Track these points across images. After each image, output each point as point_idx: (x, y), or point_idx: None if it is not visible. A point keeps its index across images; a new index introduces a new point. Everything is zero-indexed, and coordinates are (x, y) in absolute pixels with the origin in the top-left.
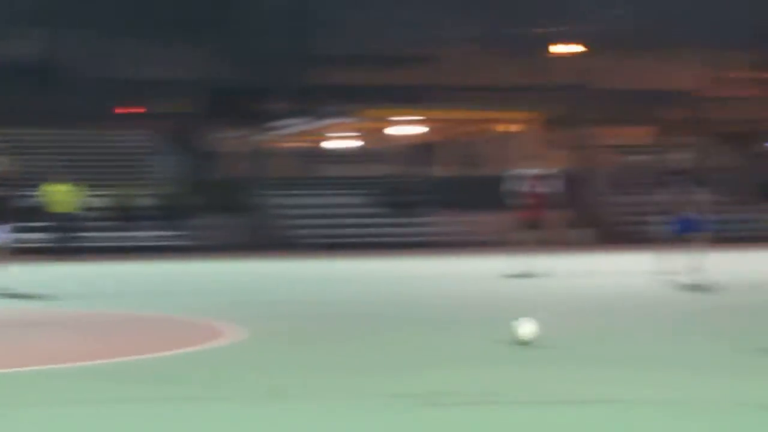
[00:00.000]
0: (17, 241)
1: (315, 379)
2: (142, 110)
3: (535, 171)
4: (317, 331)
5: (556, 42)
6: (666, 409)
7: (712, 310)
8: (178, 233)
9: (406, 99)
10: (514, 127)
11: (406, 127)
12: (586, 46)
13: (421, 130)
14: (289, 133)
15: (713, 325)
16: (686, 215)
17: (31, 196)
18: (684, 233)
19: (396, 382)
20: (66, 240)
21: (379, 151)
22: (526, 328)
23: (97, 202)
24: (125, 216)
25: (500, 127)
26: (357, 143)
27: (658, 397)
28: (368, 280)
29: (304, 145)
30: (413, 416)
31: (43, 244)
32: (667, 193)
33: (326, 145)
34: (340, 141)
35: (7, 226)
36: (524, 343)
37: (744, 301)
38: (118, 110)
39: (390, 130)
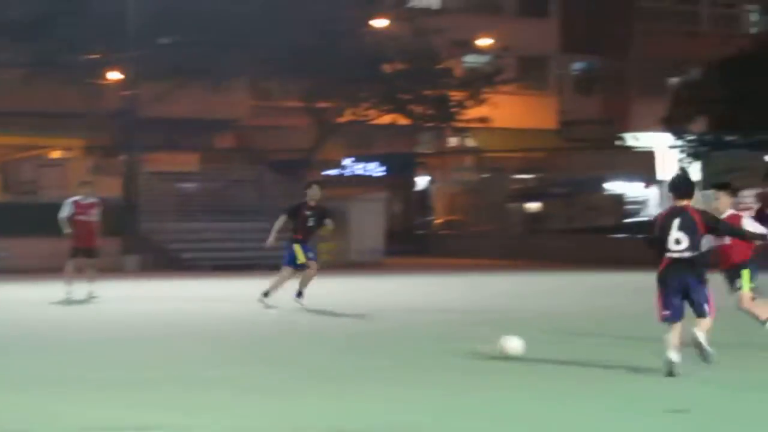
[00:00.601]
0: None
1: None
2: None
3: (84, 198)
4: None
5: (105, 69)
6: None
7: (275, 336)
8: None
9: None
10: (64, 154)
11: None
12: (134, 74)
13: None
14: None
15: (274, 351)
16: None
17: None
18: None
19: None
20: None
21: None
22: (513, 343)
23: None
24: None
25: (51, 154)
26: None
27: (214, 423)
28: None
29: None
30: None
31: None
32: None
33: None
34: None
35: None
36: (510, 357)
37: (295, 327)
38: None
39: None
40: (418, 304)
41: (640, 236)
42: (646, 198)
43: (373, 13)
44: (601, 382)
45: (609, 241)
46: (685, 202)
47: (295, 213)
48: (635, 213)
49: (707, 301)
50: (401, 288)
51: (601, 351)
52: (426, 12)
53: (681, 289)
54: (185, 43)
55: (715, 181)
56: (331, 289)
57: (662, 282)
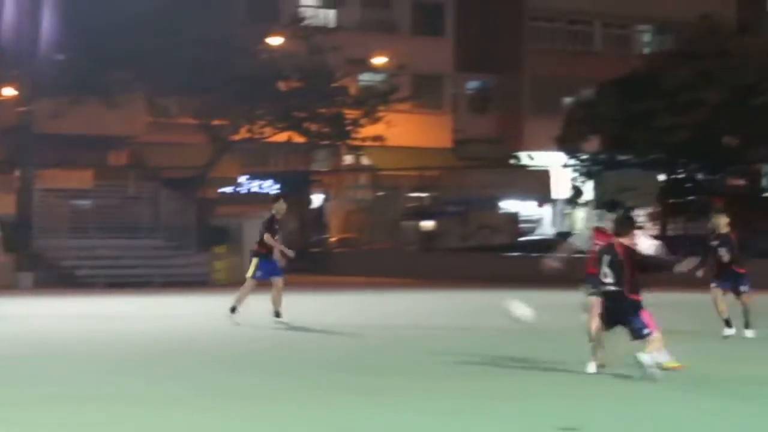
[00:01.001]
0: None
1: None
2: None
3: None
4: None
5: (1, 84)
6: None
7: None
8: None
9: None
10: None
11: None
12: (29, 90)
13: None
14: None
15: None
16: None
17: None
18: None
19: None
20: None
21: None
22: (522, 309)
23: None
24: None
25: None
26: None
27: None
28: None
29: None
30: None
31: None
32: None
33: None
34: None
35: None
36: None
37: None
38: None
39: None
40: (310, 323)
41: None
42: (540, 217)
43: (269, 30)
44: (495, 401)
45: (503, 259)
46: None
47: (269, 227)
48: (529, 232)
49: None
50: (292, 306)
51: (493, 370)
52: (321, 30)
53: None
54: (79, 59)
55: (606, 199)
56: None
57: None
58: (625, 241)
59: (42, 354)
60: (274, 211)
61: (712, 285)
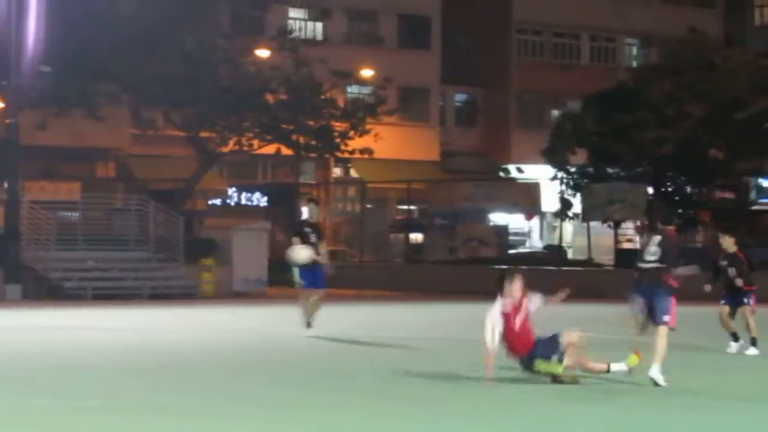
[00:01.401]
0: None
1: None
2: None
3: None
4: None
5: None
6: None
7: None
8: None
9: None
10: None
11: None
12: (14, 102)
13: None
14: None
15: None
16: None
17: None
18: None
19: None
20: None
21: None
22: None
23: None
24: None
25: None
26: None
27: None
28: None
29: None
30: None
31: None
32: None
33: None
34: None
35: None
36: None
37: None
38: None
39: None
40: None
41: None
42: (528, 229)
43: (255, 43)
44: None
45: (490, 272)
46: None
47: (299, 232)
48: (518, 244)
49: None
50: (284, 318)
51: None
52: (308, 42)
53: None
54: (64, 71)
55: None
56: (214, 320)
57: None
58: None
59: (33, 365)
60: (306, 216)
61: (722, 302)
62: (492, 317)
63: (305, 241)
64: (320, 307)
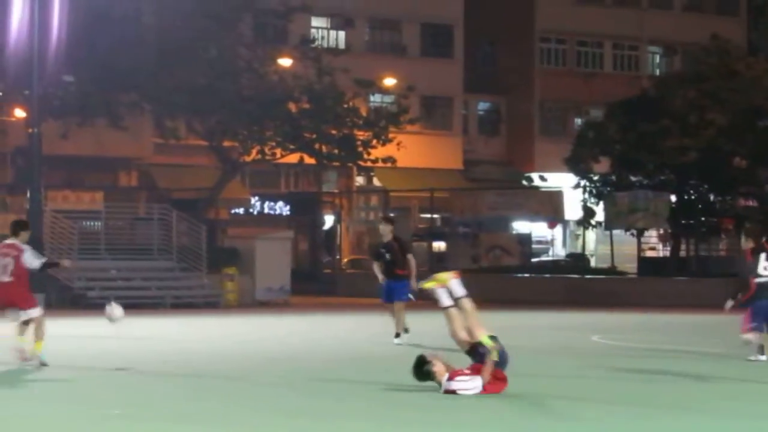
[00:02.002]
0: None
1: None
2: None
3: None
4: None
5: (8, 106)
6: None
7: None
8: None
9: None
10: None
11: None
12: (37, 112)
13: None
14: None
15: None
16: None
17: None
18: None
19: None
20: None
21: None
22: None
23: None
24: None
25: None
26: None
27: None
28: None
29: None
30: None
31: None
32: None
33: None
34: None
35: None
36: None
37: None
38: None
39: None
40: (334, 345)
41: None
42: (551, 238)
43: (278, 52)
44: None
45: (514, 280)
46: None
47: (377, 255)
48: (540, 252)
49: None
50: (310, 327)
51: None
52: (331, 51)
53: None
54: (87, 80)
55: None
56: (236, 329)
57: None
58: None
59: (56, 374)
60: (383, 236)
61: None
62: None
63: (382, 263)
64: (400, 317)
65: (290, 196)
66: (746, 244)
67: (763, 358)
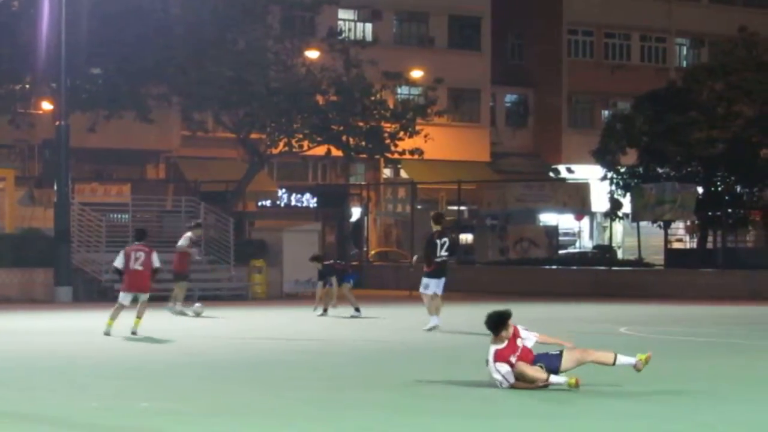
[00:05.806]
0: None
1: None
2: None
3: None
4: None
5: (36, 99)
6: None
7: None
8: None
9: None
10: None
11: None
12: (65, 105)
13: None
14: None
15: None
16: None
17: None
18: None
19: None
20: None
21: None
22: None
23: None
24: None
25: None
26: None
27: None
28: None
29: None
30: None
31: None
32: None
33: None
34: None
35: None
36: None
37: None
38: None
39: None
40: (367, 335)
41: None
42: (578, 230)
43: (306, 44)
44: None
45: (541, 272)
46: None
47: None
48: (568, 244)
49: None
50: (341, 320)
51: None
52: (358, 43)
53: None
54: (114, 73)
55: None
56: (264, 321)
57: None
58: None
59: (85, 367)
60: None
61: None
62: (494, 367)
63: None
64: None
65: (317, 189)
66: None
67: None
